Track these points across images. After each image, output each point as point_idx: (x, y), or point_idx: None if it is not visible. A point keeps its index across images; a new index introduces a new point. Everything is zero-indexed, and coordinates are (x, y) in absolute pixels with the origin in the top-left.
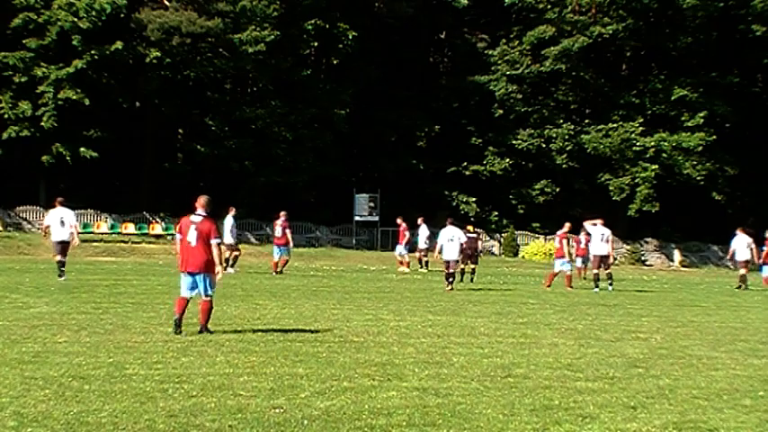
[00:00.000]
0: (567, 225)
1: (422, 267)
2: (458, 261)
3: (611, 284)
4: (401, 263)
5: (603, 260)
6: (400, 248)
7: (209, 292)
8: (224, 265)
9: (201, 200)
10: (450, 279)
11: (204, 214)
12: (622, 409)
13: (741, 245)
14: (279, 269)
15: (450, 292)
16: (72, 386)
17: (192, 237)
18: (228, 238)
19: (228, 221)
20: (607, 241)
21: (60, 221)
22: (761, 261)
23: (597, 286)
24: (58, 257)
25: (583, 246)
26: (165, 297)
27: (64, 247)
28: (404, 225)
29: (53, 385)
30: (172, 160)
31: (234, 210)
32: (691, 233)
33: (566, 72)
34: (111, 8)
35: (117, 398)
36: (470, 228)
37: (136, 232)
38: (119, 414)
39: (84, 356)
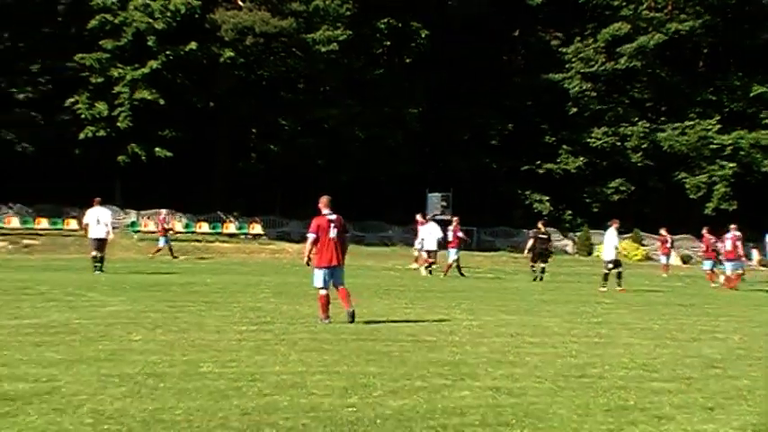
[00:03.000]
0: (733, 227)
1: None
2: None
3: None
4: (416, 259)
5: None
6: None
7: (344, 281)
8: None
9: (325, 200)
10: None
11: (332, 212)
12: (699, 411)
13: None
14: (451, 271)
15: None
16: (147, 384)
17: (333, 233)
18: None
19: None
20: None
21: (96, 220)
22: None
23: None
24: (94, 253)
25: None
26: (238, 296)
27: (101, 243)
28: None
29: (129, 383)
30: (245, 160)
31: (617, 222)
32: None
33: (641, 69)
34: (185, 9)
35: (191, 396)
36: (541, 227)
37: (210, 231)
38: (193, 412)
39: (160, 354)
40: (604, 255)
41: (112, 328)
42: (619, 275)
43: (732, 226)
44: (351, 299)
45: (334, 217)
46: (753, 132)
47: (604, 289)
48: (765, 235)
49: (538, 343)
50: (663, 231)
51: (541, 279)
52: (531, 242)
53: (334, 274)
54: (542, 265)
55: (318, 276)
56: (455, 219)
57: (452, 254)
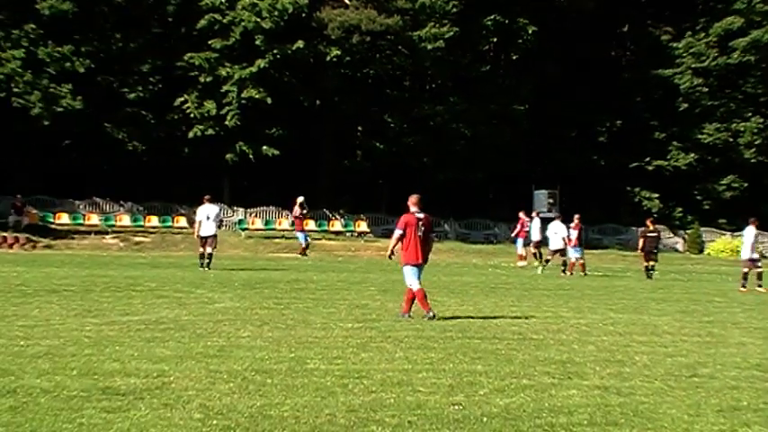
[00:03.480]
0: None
1: (538, 260)
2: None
3: None
4: (521, 257)
5: None
6: (519, 243)
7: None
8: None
9: (414, 198)
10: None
11: (421, 211)
12: None
13: None
14: (582, 271)
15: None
16: (255, 380)
17: (420, 231)
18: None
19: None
20: None
21: (206, 217)
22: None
23: None
24: (201, 250)
25: None
26: (344, 293)
27: (210, 240)
28: (525, 219)
29: (237, 379)
30: (351, 157)
31: (756, 221)
32: None
33: (755, 64)
34: (293, 8)
35: (298, 392)
36: (650, 225)
37: (316, 229)
38: (300, 408)
39: (267, 351)
40: (742, 253)
41: (220, 324)
42: (759, 276)
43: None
44: (428, 300)
45: (422, 216)
46: None
47: (744, 289)
48: None
49: (647, 342)
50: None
51: (651, 277)
52: (641, 241)
53: (419, 272)
54: (652, 263)
55: (408, 273)
56: (576, 216)
57: (575, 252)
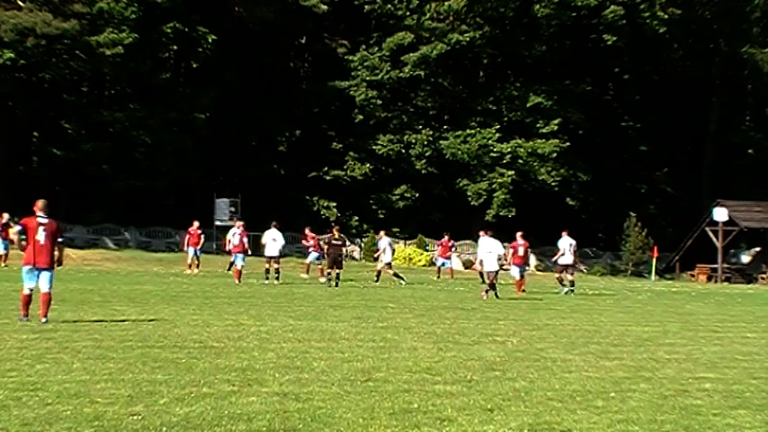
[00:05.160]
0: (520, 234)
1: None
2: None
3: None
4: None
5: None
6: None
7: (51, 287)
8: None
9: (41, 203)
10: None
11: (46, 216)
12: (480, 412)
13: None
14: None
15: (486, 299)
16: None
17: (41, 236)
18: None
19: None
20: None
21: (272, 239)
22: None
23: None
24: (267, 266)
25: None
26: (18, 303)
27: (275, 259)
28: (311, 234)
29: None
30: (26, 163)
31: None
32: (546, 238)
33: (424, 78)
34: None
35: None
36: (336, 233)
37: None
38: None
39: None
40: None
41: None
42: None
43: (519, 233)
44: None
45: (46, 221)
46: (530, 141)
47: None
48: (559, 242)
49: (325, 348)
50: (446, 237)
51: (337, 285)
52: (326, 248)
53: (40, 276)
54: (338, 271)
55: (24, 275)
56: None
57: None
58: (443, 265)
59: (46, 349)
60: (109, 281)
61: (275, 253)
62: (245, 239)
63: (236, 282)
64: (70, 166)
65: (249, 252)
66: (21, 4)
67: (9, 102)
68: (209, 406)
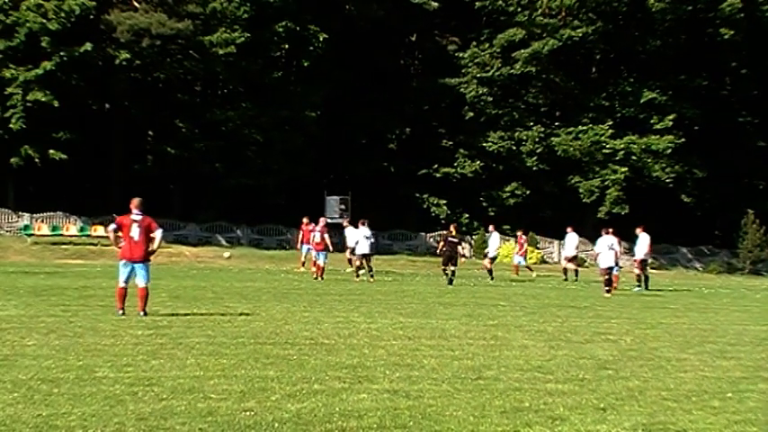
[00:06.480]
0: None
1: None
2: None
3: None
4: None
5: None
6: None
7: (147, 281)
8: None
9: (136, 201)
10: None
11: (141, 213)
12: (592, 411)
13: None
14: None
15: (608, 295)
16: (41, 389)
17: (135, 232)
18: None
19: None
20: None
21: (364, 237)
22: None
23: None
24: (358, 264)
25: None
26: (134, 300)
27: (367, 257)
28: (311, 225)
29: (22, 388)
30: (141, 162)
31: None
32: (660, 235)
33: (536, 75)
34: (80, 9)
35: (86, 401)
36: (453, 230)
37: (105, 234)
38: (88, 417)
39: (54, 359)
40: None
41: (4, 333)
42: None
43: (610, 230)
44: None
45: (139, 217)
46: (643, 137)
47: (609, 295)
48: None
49: (435, 345)
50: (519, 233)
51: (451, 283)
52: (440, 244)
53: (135, 270)
54: (452, 268)
55: (120, 269)
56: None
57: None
58: (519, 263)
59: (160, 345)
60: (221, 278)
61: (369, 250)
62: (327, 237)
63: (319, 278)
64: (183, 164)
65: (331, 249)
66: (136, 5)
67: (125, 101)
68: (321, 402)
